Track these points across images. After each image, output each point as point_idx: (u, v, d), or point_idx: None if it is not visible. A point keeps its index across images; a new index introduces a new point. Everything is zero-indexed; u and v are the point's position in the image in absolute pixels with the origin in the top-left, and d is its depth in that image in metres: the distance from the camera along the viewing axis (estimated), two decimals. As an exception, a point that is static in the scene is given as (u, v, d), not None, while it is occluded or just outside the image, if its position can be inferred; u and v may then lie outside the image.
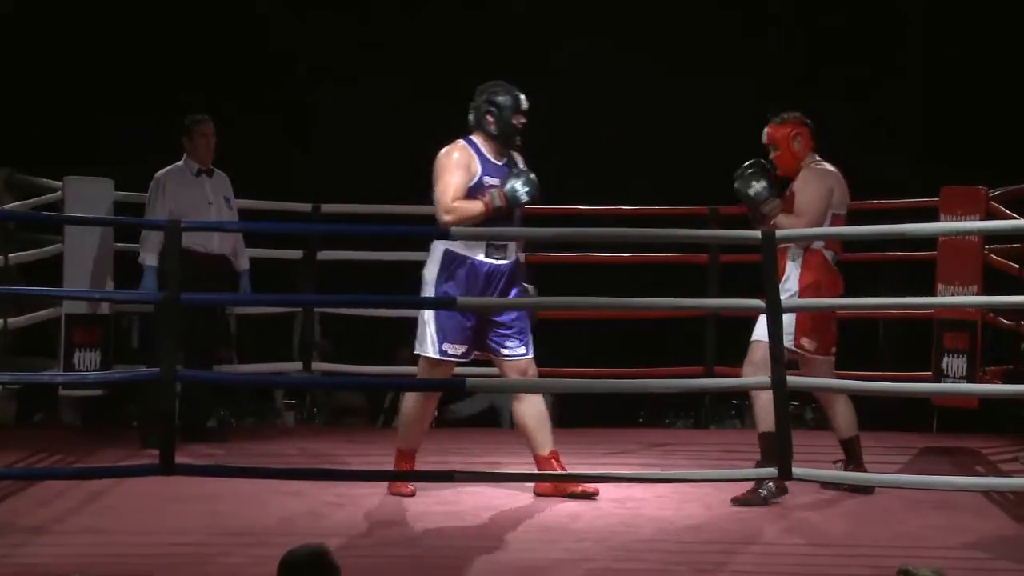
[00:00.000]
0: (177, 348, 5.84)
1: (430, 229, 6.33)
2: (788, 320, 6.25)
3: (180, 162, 7.73)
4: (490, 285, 6.28)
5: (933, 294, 7.78)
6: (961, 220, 7.64)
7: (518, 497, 6.30)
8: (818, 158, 6.46)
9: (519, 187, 6.21)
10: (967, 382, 7.63)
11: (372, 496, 6.28)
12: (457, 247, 6.26)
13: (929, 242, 7.92)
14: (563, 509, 6.09)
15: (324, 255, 8.57)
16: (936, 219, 7.74)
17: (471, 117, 6.38)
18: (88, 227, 7.72)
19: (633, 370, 8.08)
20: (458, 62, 9.98)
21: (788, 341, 6.25)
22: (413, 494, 6.31)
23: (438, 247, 6.31)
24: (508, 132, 6.34)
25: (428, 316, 6.31)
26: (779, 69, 11.02)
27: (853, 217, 7.27)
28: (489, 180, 6.28)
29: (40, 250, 7.93)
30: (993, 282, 7.73)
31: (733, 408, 9.77)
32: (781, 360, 5.75)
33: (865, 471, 6.47)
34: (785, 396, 5.78)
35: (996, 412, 8.22)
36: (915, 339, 8.69)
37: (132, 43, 10.80)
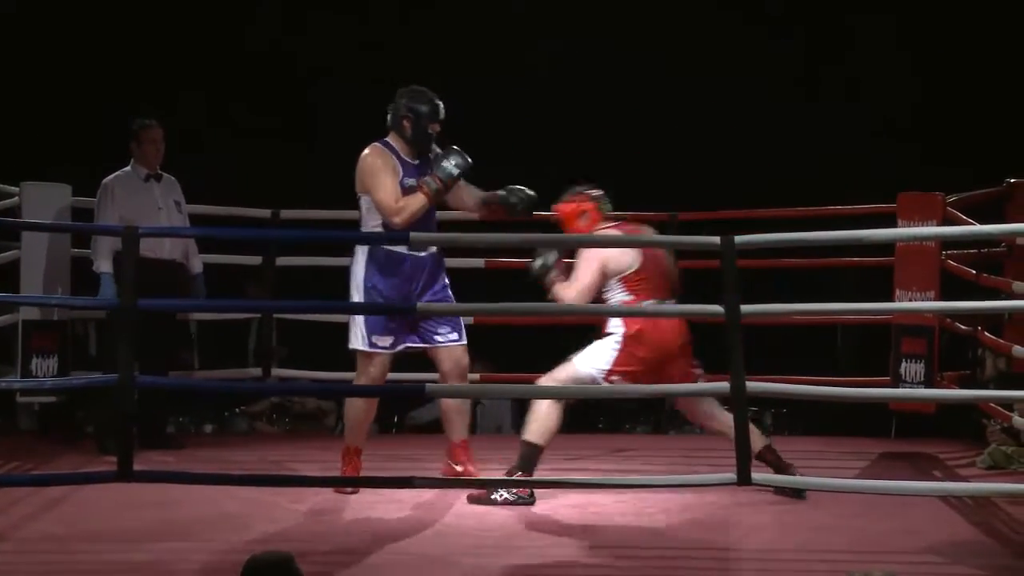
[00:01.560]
0: (134, 354, 5.81)
1: (386, 234, 6.41)
2: (604, 357, 6.41)
3: (128, 167, 7.68)
4: (414, 276, 6.49)
5: (891, 300, 7.82)
6: (918, 226, 7.68)
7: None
8: (612, 226, 6.63)
9: (448, 165, 6.40)
10: (925, 387, 7.67)
11: (331, 502, 6.27)
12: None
13: (887, 248, 7.95)
14: (523, 515, 6.09)
15: (283, 261, 8.54)
16: (894, 225, 7.77)
17: (388, 118, 6.56)
18: (45, 233, 7.68)
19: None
20: (457, 63, 9.99)
21: (601, 375, 6.42)
22: (356, 492, 6.42)
23: (362, 245, 6.52)
24: (423, 139, 6.53)
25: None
26: (777, 70, 11.05)
27: (810, 223, 7.31)
28: (408, 181, 6.45)
29: (-3, 256, 7.88)
30: (950, 288, 7.77)
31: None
32: (740, 367, 5.76)
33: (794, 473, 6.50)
34: (744, 402, 5.79)
35: (953, 417, 8.25)
36: (873, 344, 8.73)
37: (129, 42, 10.76)
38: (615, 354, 6.42)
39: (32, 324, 7.70)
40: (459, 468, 6.62)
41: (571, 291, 6.50)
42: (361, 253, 6.51)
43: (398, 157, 6.49)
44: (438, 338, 6.54)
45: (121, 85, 10.59)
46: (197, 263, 7.79)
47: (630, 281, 6.50)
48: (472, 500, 6.35)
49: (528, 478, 6.31)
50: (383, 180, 6.41)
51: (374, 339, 6.47)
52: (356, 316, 6.51)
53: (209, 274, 7.89)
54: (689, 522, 6.03)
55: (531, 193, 6.57)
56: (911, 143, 10.48)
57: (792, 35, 11.00)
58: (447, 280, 6.61)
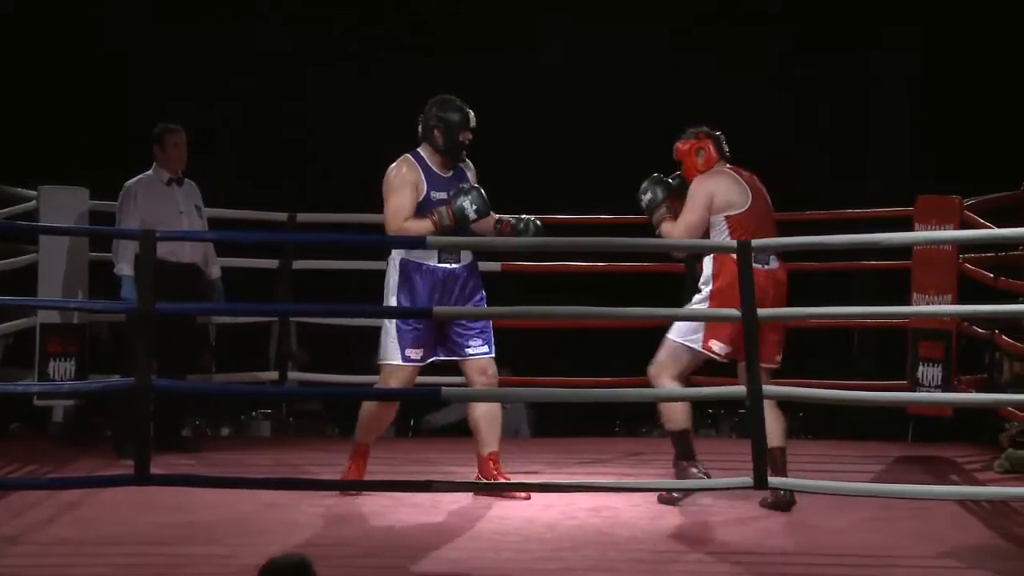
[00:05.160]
0: (152, 358, 5.82)
1: (404, 238, 6.39)
2: (698, 323, 6.36)
3: (150, 171, 7.68)
4: (447, 288, 6.46)
5: (908, 303, 7.80)
6: (936, 230, 7.66)
7: (495, 507, 6.31)
8: (726, 167, 6.56)
9: (467, 204, 6.38)
10: (942, 391, 7.65)
11: (348, 506, 6.28)
12: (413, 255, 6.44)
13: (904, 251, 7.93)
14: (539, 518, 6.09)
15: (300, 264, 8.55)
16: (911, 228, 7.76)
17: (420, 129, 6.53)
18: (63, 236, 7.70)
19: (609, 379, 8.08)
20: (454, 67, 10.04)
21: (697, 343, 6.34)
22: (359, 494, 6.43)
23: (396, 257, 6.49)
24: (454, 147, 6.50)
25: (390, 324, 6.47)
26: (772, 74, 11.07)
27: (827, 227, 7.30)
28: (436, 195, 6.45)
29: (14, 259, 7.89)
30: (968, 291, 7.76)
31: (708, 417, 9.79)
32: (757, 371, 5.76)
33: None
34: (761, 406, 5.79)
35: (971, 421, 8.24)
36: (890, 348, 8.72)
37: (115, 48, 10.80)
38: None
39: (49, 328, 7.70)
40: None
41: (677, 230, 6.47)
42: (394, 264, 6.49)
43: (427, 170, 6.48)
44: (468, 350, 6.50)
45: (141, 88, 10.63)
46: (215, 269, 7.80)
47: (735, 220, 6.41)
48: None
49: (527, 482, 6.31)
50: (396, 197, 6.41)
51: (408, 352, 6.43)
52: (390, 328, 6.46)
53: (228, 278, 7.90)
54: (704, 526, 6.03)
55: (539, 224, 6.55)
56: (928, 146, 10.48)
57: (802, 36, 11.04)
58: (483, 292, 6.57)
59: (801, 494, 6.23)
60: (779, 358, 6.46)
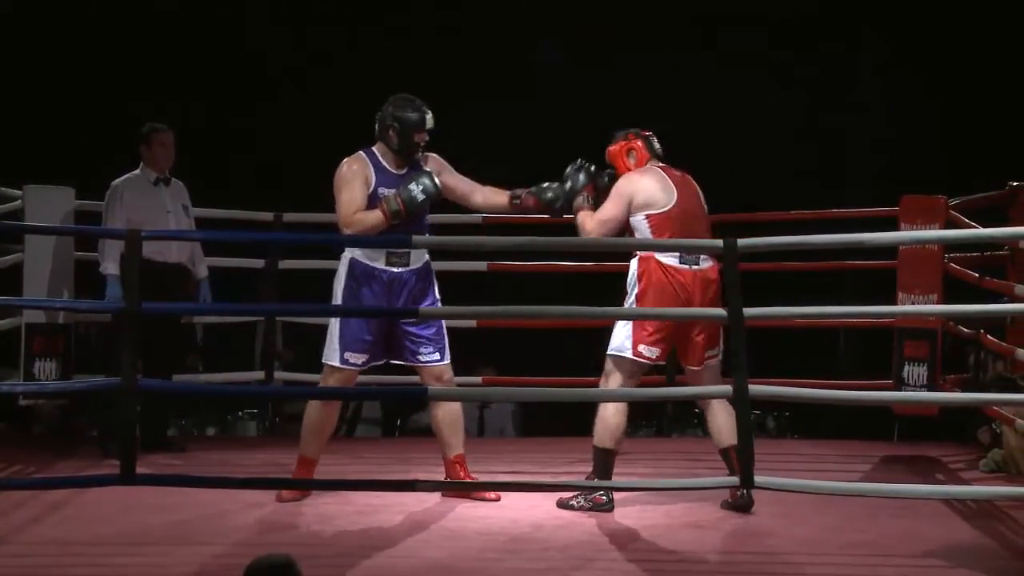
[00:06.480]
0: (137, 358, 5.82)
1: (389, 238, 6.36)
2: (625, 330, 6.34)
3: (137, 171, 7.66)
4: (393, 293, 6.39)
5: (893, 303, 7.81)
6: (921, 229, 7.67)
7: (481, 507, 6.31)
8: (657, 165, 6.52)
9: (415, 189, 6.30)
10: (927, 390, 7.66)
11: (333, 505, 6.27)
12: (361, 256, 6.38)
13: (889, 251, 7.94)
14: (526, 519, 6.09)
15: (286, 264, 8.54)
16: (896, 228, 7.76)
17: (376, 127, 6.47)
18: (48, 236, 7.69)
19: (594, 379, 8.06)
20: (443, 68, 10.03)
21: (628, 351, 6.34)
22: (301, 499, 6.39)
23: (345, 257, 6.44)
24: (408, 148, 6.42)
25: (335, 325, 6.43)
26: (778, 71, 11.07)
27: (812, 227, 7.31)
28: (384, 191, 6.36)
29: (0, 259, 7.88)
30: (953, 291, 7.77)
31: (695, 416, 9.79)
32: (743, 370, 5.76)
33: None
34: (747, 405, 5.79)
35: (956, 420, 8.25)
36: (875, 348, 8.72)
37: (132, 45, 10.79)
38: (629, 324, 6.33)
39: (35, 327, 7.69)
40: None
41: (592, 221, 6.40)
42: (342, 265, 6.43)
43: (378, 166, 6.41)
44: (420, 357, 6.45)
45: (127, 88, 10.61)
46: (203, 268, 7.78)
47: (656, 219, 6.36)
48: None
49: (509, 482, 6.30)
50: (346, 190, 6.34)
51: (347, 355, 6.38)
52: (334, 329, 6.42)
53: (214, 277, 7.89)
54: (691, 525, 6.03)
55: (565, 188, 6.46)
56: (913, 146, 10.49)
57: (793, 37, 11.05)
58: (438, 296, 6.51)
59: (786, 494, 6.24)
60: (714, 358, 6.44)
